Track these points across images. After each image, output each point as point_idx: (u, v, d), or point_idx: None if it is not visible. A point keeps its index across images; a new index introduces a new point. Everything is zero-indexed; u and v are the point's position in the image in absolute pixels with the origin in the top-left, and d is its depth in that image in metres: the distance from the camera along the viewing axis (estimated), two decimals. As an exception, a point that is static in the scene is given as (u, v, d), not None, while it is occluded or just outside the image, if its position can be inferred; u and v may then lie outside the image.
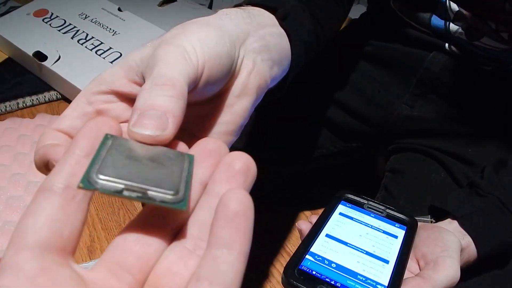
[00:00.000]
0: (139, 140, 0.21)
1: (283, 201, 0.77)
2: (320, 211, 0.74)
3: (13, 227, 0.63)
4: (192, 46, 0.25)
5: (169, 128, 0.21)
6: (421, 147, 0.59)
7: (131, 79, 0.25)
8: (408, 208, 0.53)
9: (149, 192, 0.19)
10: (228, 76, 0.27)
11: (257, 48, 0.30)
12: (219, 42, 0.26)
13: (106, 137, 0.21)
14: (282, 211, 0.75)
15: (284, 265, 0.37)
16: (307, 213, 0.75)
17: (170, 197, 0.20)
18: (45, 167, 0.24)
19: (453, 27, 0.54)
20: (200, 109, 0.27)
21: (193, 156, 0.22)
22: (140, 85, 0.25)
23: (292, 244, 0.70)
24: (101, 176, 0.19)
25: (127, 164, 0.20)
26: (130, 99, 0.26)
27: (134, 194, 0.19)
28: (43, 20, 1.08)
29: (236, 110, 0.28)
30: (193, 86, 0.24)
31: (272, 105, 0.64)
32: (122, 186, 0.19)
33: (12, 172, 0.73)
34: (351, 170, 0.73)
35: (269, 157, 0.66)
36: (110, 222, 0.70)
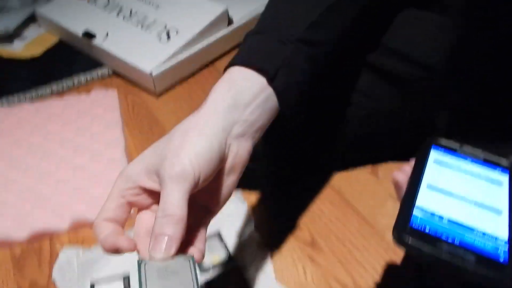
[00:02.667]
0: (156, 259, 0.31)
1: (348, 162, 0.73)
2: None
3: (83, 194, 0.65)
4: (190, 161, 0.33)
5: (173, 249, 0.31)
6: None
7: (150, 177, 0.35)
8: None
9: None
10: (219, 166, 0.36)
11: (241, 132, 0.38)
12: (210, 149, 0.35)
13: (139, 262, 0.31)
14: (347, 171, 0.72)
15: (393, 225, 0.34)
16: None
17: None
18: (115, 251, 0.33)
19: None
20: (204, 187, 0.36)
21: (192, 257, 0.33)
22: (157, 181, 0.34)
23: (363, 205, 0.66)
24: None
25: (163, 284, 0.30)
26: (150, 191, 0.35)
27: None
28: (88, 1, 1.10)
29: (227, 185, 0.38)
30: (194, 188, 0.33)
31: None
32: None
33: (75, 143, 0.76)
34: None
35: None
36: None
